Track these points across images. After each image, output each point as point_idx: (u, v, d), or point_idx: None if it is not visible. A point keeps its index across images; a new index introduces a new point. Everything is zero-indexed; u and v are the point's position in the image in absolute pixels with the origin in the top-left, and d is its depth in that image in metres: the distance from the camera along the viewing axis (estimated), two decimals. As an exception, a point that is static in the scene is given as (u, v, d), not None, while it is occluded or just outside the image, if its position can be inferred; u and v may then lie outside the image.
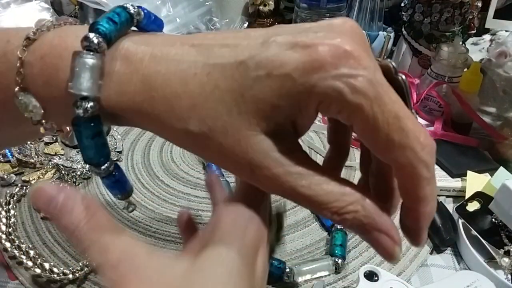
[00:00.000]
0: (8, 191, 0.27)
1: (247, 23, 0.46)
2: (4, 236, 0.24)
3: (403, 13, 0.39)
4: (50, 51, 0.11)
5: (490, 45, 0.41)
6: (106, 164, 0.12)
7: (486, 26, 0.40)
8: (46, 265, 0.22)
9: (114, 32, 0.11)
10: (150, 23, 0.13)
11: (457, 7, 0.36)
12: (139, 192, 0.28)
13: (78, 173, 0.29)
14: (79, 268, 0.22)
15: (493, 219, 0.25)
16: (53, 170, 0.29)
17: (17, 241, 0.24)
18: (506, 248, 0.23)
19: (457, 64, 0.34)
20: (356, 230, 0.11)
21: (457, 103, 0.34)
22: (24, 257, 0.23)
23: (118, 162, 0.31)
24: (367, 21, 0.37)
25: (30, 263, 0.22)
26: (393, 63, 0.12)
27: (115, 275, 0.10)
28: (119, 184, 0.12)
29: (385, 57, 0.40)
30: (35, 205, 0.12)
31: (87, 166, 0.30)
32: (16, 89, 0.11)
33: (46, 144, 0.33)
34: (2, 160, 0.30)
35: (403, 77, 0.11)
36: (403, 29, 0.40)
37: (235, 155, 0.11)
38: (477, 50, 0.43)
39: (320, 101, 0.10)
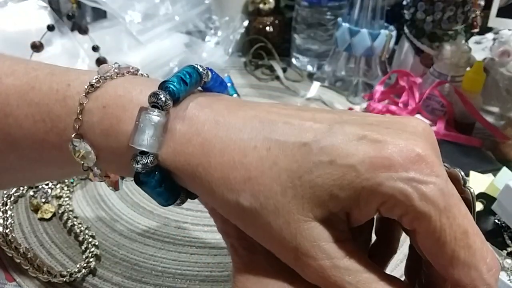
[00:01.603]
0: (5, 192, 0.27)
1: (247, 21, 0.45)
2: (1, 237, 0.24)
3: (405, 11, 0.39)
4: (113, 102, 0.12)
5: (493, 44, 0.41)
6: (179, 201, 0.12)
7: (489, 24, 0.40)
8: (44, 267, 0.22)
9: (183, 93, 0.11)
10: (216, 86, 0.13)
11: (459, 5, 0.36)
12: (137, 193, 0.28)
13: (76, 173, 0.29)
14: (76, 270, 0.22)
15: (496, 220, 0.25)
16: (51, 171, 0.29)
17: (14, 243, 0.23)
18: (509, 249, 0.23)
19: (459, 63, 0.34)
20: None
21: (459, 103, 0.33)
22: (21, 258, 0.22)
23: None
24: (369, 20, 0.37)
25: (27, 265, 0.22)
26: (462, 173, 0.11)
27: None
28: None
29: (386, 56, 0.39)
30: None
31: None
32: (73, 135, 0.12)
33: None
34: None
35: (472, 190, 0.11)
36: (405, 28, 0.39)
37: (282, 238, 0.10)
38: (480, 49, 0.43)
39: (383, 202, 0.10)
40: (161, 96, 0.11)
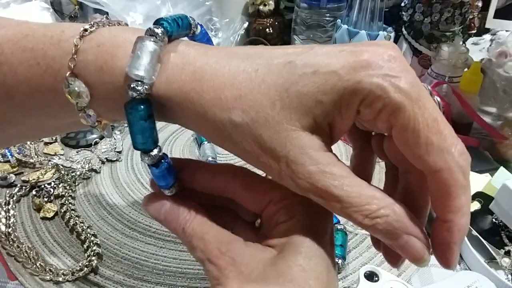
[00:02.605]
0: (7, 191, 0.27)
1: (247, 23, 0.46)
2: (3, 236, 0.24)
3: (403, 13, 0.39)
4: (108, 40, 0.12)
5: (490, 45, 0.41)
6: (155, 151, 0.12)
7: (487, 26, 0.40)
8: (46, 266, 0.22)
9: (175, 32, 0.12)
10: (203, 39, 0.14)
11: (457, 7, 0.36)
12: (138, 192, 0.28)
13: (78, 173, 0.29)
14: (78, 268, 0.22)
15: (494, 219, 0.25)
16: (53, 170, 0.29)
17: (16, 241, 0.23)
18: (507, 248, 0.23)
19: (457, 64, 0.34)
20: (386, 235, 0.11)
21: (457, 103, 0.33)
22: (23, 257, 0.23)
23: (118, 162, 0.31)
24: (367, 21, 0.37)
25: (29, 263, 0.22)
26: (429, 87, 0.12)
27: (217, 266, 0.11)
28: (167, 174, 0.12)
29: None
30: (147, 212, 0.13)
31: (87, 166, 0.30)
32: (67, 74, 0.12)
33: (46, 144, 0.32)
34: (2, 160, 0.30)
35: (438, 99, 0.12)
36: (403, 29, 0.40)
37: (273, 148, 0.11)
38: (478, 50, 0.43)
39: (363, 99, 0.11)
40: (157, 29, 0.11)
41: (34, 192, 0.27)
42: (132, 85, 0.11)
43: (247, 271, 0.11)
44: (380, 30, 0.37)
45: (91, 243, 0.23)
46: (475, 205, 0.26)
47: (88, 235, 0.24)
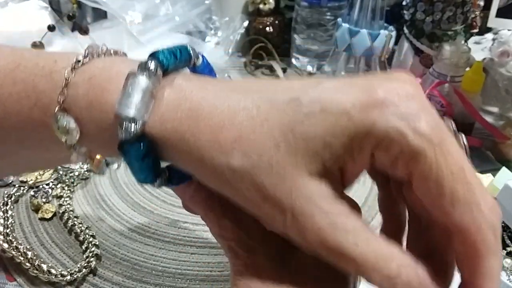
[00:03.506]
0: (5, 192, 0.27)
1: (247, 21, 0.45)
2: (1, 237, 0.24)
3: (404, 11, 0.39)
4: (99, 73, 0.11)
5: (492, 44, 0.41)
6: (158, 181, 0.11)
7: (489, 25, 0.40)
8: (44, 267, 0.22)
9: (172, 65, 0.11)
10: (205, 72, 0.13)
11: (459, 5, 0.36)
12: (137, 193, 0.28)
13: (76, 173, 0.29)
14: (77, 270, 0.22)
15: (496, 220, 0.25)
16: (51, 171, 0.29)
17: (14, 242, 0.23)
18: (508, 249, 0.23)
19: (459, 63, 0.34)
20: None
21: (459, 103, 0.33)
22: (22, 258, 0.22)
23: (117, 162, 0.31)
24: (368, 20, 0.37)
25: (28, 264, 0.22)
26: (454, 124, 0.11)
27: None
28: (180, 183, 0.12)
29: (386, 56, 0.39)
30: None
31: (86, 166, 0.30)
32: (56, 109, 0.11)
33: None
34: (0, 160, 0.30)
35: (464, 139, 0.11)
36: (404, 28, 0.39)
37: (277, 198, 0.10)
38: (480, 49, 0.43)
39: (377, 143, 0.09)
40: (151, 63, 0.11)
41: (32, 193, 0.27)
42: (122, 125, 0.10)
43: None
44: (381, 29, 0.37)
45: (90, 244, 0.23)
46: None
47: (87, 236, 0.24)
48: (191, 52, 0.12)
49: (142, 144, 0.11)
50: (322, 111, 0.10)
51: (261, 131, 0.10)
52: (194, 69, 0.13)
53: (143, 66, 0.11)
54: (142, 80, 0.10)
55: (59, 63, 0.12)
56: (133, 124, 0.10)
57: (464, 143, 0.11)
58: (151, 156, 0.11)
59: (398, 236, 0.12)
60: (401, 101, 0.09)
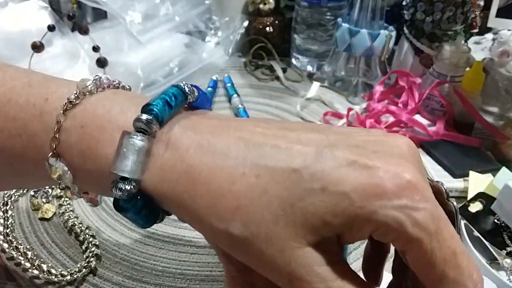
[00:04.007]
0: (5, 192, 0.27)
1: (247, 21, 0.45)
2: (1, 237, 0.24)
3: (404, 12, 0.39)
4: (92, 122, 0.11)
5: (492, 44, 0.41)
6: (158, 221, 0.12)
7: (489, 25, 0.40)
8: (44, 266, 0.22)
9: (167, 116, 0.11)
10: (201, 103, 0.13)
11: (459, 5, 0.36)
12: (138, 192, 0.28)
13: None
14: (77, 270, 0.22)
15: (496, 220, 0.25)
16: (51, 170, 0.29)
17: (14, 242, 0.23)
18: (509, 249, 0.23)
19: (459, 63, 0.34)
20: None
21: (459, 103, 0.33)
22: (22, 258, 0.22)
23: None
24: (368, 20, 0.37)
25: (28, 264, 0.22)
26: (445, 186, 0.11)
27: None
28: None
29: (386, 56, 0.39)
30: None
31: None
32: (49, 154, 0.11)
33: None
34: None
35: (455, 203, 0.11)
36: (404, 28, 0.39)
37: (276, 265, 0.10)
38: (480, 49, 0.43)
39: (376, 228, 0.10)
40: (145, 120, 0.10)
41: (32, 193, 0.27)
42: (117, 185, 0.10)
43: None
44: (381, 29, 0.37)
45: (90, 244, 0.23)
46: (477, 206, 0.25)
47: (87, 236, 0.24)
48: (186, 91, 0.12)
49: (138, 201, 0.11)
50: (322, 190, 0.10)
51: (260, 203, 0.10)
52: (191, 105, 0.13)
53: (138, 124, 0.10)
54: (137, 141, 0.10)
55: (51, 103, 0.11)
56: (128, 185, 0.10)
57: (455, 208, 0.11)
58: (148, 207, 0.11)
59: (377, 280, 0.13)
60: (402, 192, 0.09)
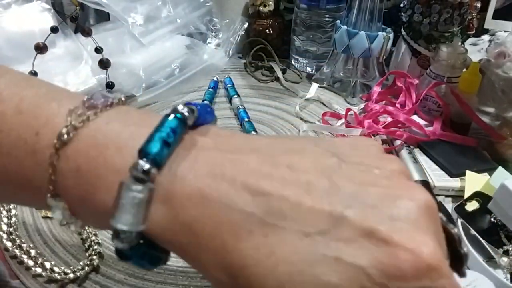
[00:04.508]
0: (9, 191, 0.27)
1: (247, 23, 0.46)
2: (5, 236, 0.24)
3: (402, 13, 0.39)
4: (86, 166, 0.11)
5: (489, 46, 0.41)
6: (162, 262, 0.11)
7: (485, 26, 0.41)
8: (47, 265, 0.22)
9: (166, 156, 0.10)
10: (203, 118, 0.12)
11: (456, 7, 0.36)
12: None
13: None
14: (80, 267, 0.22)
15: (492, 219, 0.25)
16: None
17: (18, 241, 0.24)
18: (505, 247, 0.24)
19: (456, 64, 0.35)
20: None
21: (456, 103, 0.34)
22: (25, 256, 0.23)
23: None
24: (367, 22, 0.37)
25: (31, 263, 0.22)
26: (460, 235, 0.11)
27: None
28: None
29: (384, 57, 0.40)
30: None
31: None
32: (48, 195, 0.11)
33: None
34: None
35: (466, 251, 0.11)
36: (402, 30, 0.40)
37: None
38: (476, 50, 0.43)
39: None
40: (142, 169, 0.10)
41: (35, 192, 0.28)
42: (119, 236, 0.10)
43: None
44: (379, 30, 0.38)
45: (92, 242, 0.24)
46: (474, 205, 0.26)
47: (90, 234, 0.24)
48: (185, 117, 0.11)
49: (140, 247, 0.10)
50: (337, 260, 0.09)
51: (266, 265, 0.09)
52: (197, 122, 0.12)
53: (135, 172, 0.10)
54: (136, 193, 0.10)
55: (42, 139, 0.11)
56: (129, 237, 0.10)
57: (465, 255, 0.11)
58: (151, 250, 0.11)
59: None
60: (421, 275, 0.09)
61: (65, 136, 0.11)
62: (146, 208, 0.10)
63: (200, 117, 0.12)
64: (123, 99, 0.12)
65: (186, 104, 0.11)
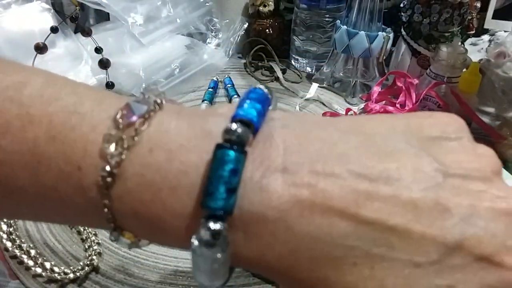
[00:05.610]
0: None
1: (247, 23, 0.46)
2: (5, 236, 0.24)
3: (402, 13, 0.39)
4: (144, 210, 0.09)
5: (489, 46, 0.41)
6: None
7: (485, 26, 0.41)
8: (47, 265, 0.22)
9: (234, 203, 0.09)
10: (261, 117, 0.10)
11: (456, 7, 0.36)
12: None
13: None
14: (80, 268, 0.22)
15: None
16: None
17: (18, 241, 0.24)
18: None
19: (456, 64, 0.35)
20: None
21: (456, 103, 0.34)
22: (25, 256, 0.23)
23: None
24: (367, 22, 0.37)
25: (31, 263, 0.22)
26: None
27: None
28: None
29: (384, 57, 0.40)
30: None
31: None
32: (109, 232, 0.10)
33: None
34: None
35: None
36: (402, 30, 0.40)
37: None
38: (476, 50, 0.43)
39: None
40: (213, 231, 0.08)
41: (35, 192, 0.28)
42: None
43: None
44: (379, 30, 0.38)
45: (92, 242, 0.24)
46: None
47: (89, 234, 0.24)
48: (244, 142, 0.09)
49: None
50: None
51: None
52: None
53: (206, 239, 0.08)
54: (211, 252, 0.09)
55: (85, 175, 0.09)
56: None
57: None
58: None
59: None
60: None
61: (109, 179, 0.09)
62: (228, 247, 0.09)
63: (259, 121, 0.10)
64: (158, 101, 0.10)
65: (237, 118, 0.09)
